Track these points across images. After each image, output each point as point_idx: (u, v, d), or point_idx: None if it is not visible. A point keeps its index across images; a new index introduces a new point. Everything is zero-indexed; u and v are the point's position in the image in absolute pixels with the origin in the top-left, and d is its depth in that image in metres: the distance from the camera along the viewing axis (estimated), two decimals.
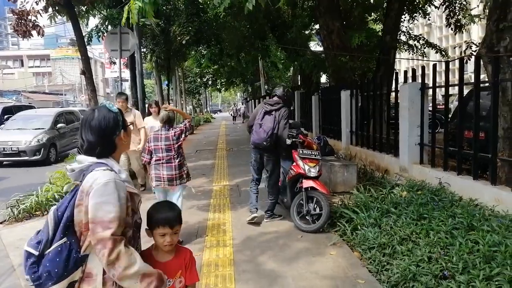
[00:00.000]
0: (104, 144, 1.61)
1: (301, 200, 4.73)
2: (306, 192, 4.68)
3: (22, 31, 7.41)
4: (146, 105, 9.71)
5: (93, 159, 1.60)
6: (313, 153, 4.84)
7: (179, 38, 10.72)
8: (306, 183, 4.66)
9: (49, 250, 1.50)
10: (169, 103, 19.12)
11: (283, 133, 4.78)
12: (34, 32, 7.62)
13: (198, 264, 3.80)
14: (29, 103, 22.91)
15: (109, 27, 10.91)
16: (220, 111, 71.09)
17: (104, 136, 1.61)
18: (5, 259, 4.16)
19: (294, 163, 4.84)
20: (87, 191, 1.51)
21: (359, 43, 8.51)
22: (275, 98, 5.03)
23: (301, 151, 4.83)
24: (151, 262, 1.71)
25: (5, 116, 13.95)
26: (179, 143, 4.46)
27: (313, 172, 4.68)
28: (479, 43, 7.46)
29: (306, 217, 4.69)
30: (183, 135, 4.48)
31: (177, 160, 4.42)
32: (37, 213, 5.70)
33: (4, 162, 11.33)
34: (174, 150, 4.41)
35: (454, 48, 24.36)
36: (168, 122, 4.49)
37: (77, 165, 1.61)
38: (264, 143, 4.80)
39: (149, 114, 7.47)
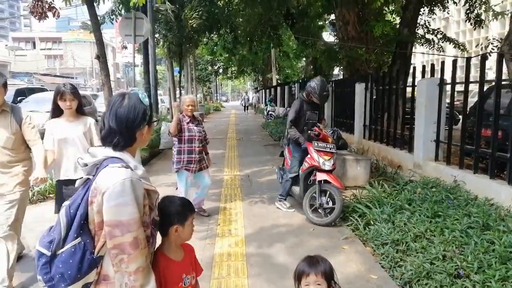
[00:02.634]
0: (124, 135, 1.50)
1: (314, 193, 4.72)
2: (320, 185, 4.66)
3: (38, 12, 7.41)
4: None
5: (107, 152, 1.48)
6: (328, 146, 4.81)
7: (190, 21, 10.55)
8: (320, 176, 4.64)
9: (62, 250, 1.41)
10: (180, 90, 19.13)
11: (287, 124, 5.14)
12: (49, 14, 7.64)
13: (210, 253, 3.84)
14: (41, 86, 23.02)
15: (123, 11, 10.86)
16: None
17: (128, 128, 1.50)
18: (21, 240, 4.22)
19: (309, 155, 4.82)
20: (101, 190, 1.40)
21: (384, 33, 8.42)
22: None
23: (316, 144, 4.80)
24: (167, 263, 1.65)
25: (18, 98, 14.03)
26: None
27: (327, 165, 4.66)
28: (500, 39, 7.30)
29: (319, 210, 4.68)
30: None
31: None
32: (51, 195, 5.76)
33: None
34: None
35: (476, 46, 23.77)
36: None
37: (91, 159, 1.50)
38: None
39: (57, 112, 3.64)
